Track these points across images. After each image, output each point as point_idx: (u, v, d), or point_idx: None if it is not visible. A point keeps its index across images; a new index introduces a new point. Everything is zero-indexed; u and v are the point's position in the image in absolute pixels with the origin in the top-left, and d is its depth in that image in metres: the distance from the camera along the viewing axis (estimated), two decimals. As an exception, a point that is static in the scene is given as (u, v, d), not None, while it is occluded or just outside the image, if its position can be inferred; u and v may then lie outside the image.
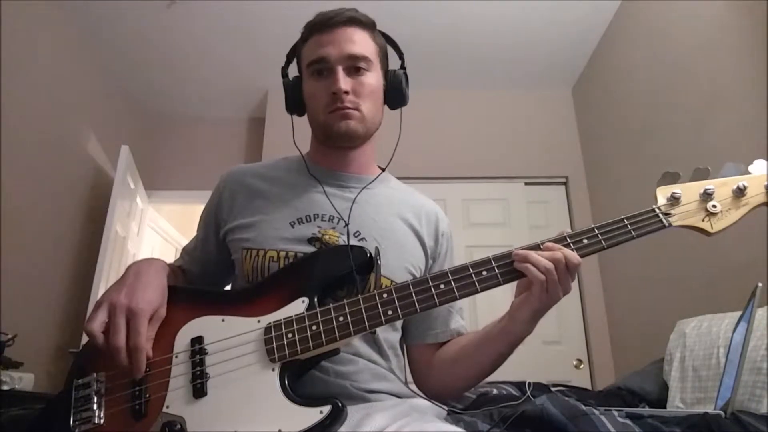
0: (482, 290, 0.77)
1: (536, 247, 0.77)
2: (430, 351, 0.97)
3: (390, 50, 1.02)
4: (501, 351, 0.86)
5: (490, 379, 1.64)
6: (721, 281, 1.98)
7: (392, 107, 1.02)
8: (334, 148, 0.99)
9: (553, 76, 3.53)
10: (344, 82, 0.90)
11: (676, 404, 1.44)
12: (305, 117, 1.02)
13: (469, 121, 3.58)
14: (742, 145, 1.91)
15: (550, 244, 0.77)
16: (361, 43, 0.93)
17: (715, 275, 2.03)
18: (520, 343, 0.84)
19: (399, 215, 0.98)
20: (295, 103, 1.00)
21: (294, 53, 1.03)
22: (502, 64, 3.41)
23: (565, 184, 3.48)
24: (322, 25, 0.94)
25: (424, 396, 0.92)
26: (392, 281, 0.88)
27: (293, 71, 1.03)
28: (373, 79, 0.95)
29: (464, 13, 2.95)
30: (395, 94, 0.99)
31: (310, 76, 0.95)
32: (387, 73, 0.99)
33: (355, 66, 0.92)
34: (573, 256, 0.74)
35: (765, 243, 1.66)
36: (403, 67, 1.01)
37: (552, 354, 3.05)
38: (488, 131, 3.55)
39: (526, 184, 3.45)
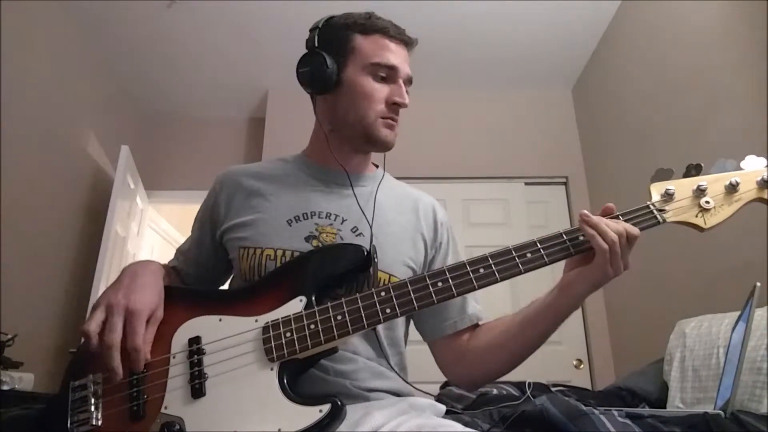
0: (480, 287, 0.77)
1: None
2: (454, 341, 0.95)
3: None
4: (546, 329, 0.86)
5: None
6: (721, 281, 1.98)
7: None
8: (348, 148, 0.98)
9: (553, 76, 3.53)
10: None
11: (676, 404, 1.44)
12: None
13: (468, 121, 3.58)
14: (742, 145, 1.91)
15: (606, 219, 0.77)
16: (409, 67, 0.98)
17: (715, 275, 2.03)
18: (566, 319, 0.85)
19: (396, 210, 0.99)
20: (327, 82, 0.93)
21: (339, 35, 0.95)
22: (502, 64, 3.41)
23: (565, 184, 3.48)
24: (392, 33, 0.95)
25: (424, 393, 0.92)
26: (390, 275, 0.88)
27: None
28: None
29: (464, 13, 2.95)
30: None
31: (368, 75, 0.93)
32: None
33: (405, 87, 0.96)
34: (633, 229, 0.76)
35: (765, 243, 1.66)
36: None
37: (552, 354, 3.05)
38: (488, 131, 3.55)
39: (526, 184, 3.45)
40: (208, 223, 1.01)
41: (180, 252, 1.06)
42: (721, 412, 0.87)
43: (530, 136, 3.53)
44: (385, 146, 0.95)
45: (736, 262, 1.90)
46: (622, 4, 2.89)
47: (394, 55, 0.94)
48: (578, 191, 3.41)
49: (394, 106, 0.93)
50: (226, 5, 2.89)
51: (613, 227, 0.75)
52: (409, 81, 0.97)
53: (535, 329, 0.87)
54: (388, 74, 0.93)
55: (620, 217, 0.78)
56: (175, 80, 3.57)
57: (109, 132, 3.40)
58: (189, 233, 1.07)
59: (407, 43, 0.97)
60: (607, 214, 0.79)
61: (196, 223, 1.05)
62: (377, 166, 1.07)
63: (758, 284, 1.07)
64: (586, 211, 0.76)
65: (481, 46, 3.23)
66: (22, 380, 2.03)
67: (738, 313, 1.19)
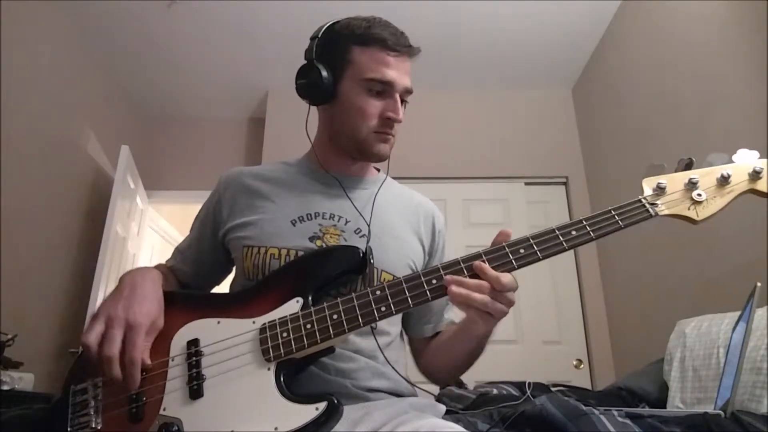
0: None
1: (470, 266, 0.75)
2: (428, 341, 1.01)
3: None
4: (470, 348, 0.89)
5: (490, 379, 1.64)
6: (721, 281, 1.98)
7: None
8: (348, 156, 0.99)
9: (553, 76, 3.53)
10: (401, 113, 0.93)
11: (676, 404, 1.44)
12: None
13: (469, 121, 3.58)
14: (741, 144, 1.90)
15: (479, 265, 0.74)
16: (410, 76, 0.95)
17: (715, 275, 2.03)
18: (487, 339, 0.87)
19: (398, 212, 1.00)
20: (324, 94, 0.94)
21: (337, 46, 0.94)
22: (502, 64, 3.41)
23: (565, 184, 3.48)
24: (391, 45, 0.91)
25: (425, 390, 0.93)
26: (394, 276, 0.89)
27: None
28: None
29: (464, 13, 2.95)
30: None
31: (363, 90, 0.92)
32: None
33: (404, 98, 0.95)
34: (495, 279, 0.72)
35: (765, 243, 1.66)
36: None
37: (552, 354, 3.05)
38: (488, 131, 3.55)
39: (526, 184, 3.45)
40: (210, 223, 1.01)
41: (178, 251, 1.06)
42: (721, 412, 0.86)
43: (530, 136, 3.53)
44: (378, 159, 0.96)
45: (736, 262, 1.90)
46: (622, 4, 2.89)
47: (391, 69, 0.91)
48: (578, 191, 3.41)
49: (388, 121, 0.92)
50: (226, 6, 2.89)
51: (476, 286, 0.72)
52: (407, 92, 0.95)
53: (461, 346, 0.91)
54: (383, 89, 0.92)
55: (530, 240, 0.76)
56: (175, 80, 3.57)
57: (109, 132, 3.40)
58: (189, 233, 1.07)
59: (410, 53, 0.94)
60: (501, 239, 0.77)
61: (196, 222, 1.05)
62: (378, 170, 1.09)
63: (759, 284, 1.06)
64: (451, 283, 0.73)
65: (481, 46, 3.23)
66: (22, 380, 2.03)
67: (738, 313, 1.19)
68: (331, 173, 0.99)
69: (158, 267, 1.00)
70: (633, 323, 2.78)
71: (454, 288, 0.72)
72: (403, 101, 0.95)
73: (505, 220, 3.32)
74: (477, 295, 0.72)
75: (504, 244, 0.77)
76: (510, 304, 0.74)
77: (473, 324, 0.80)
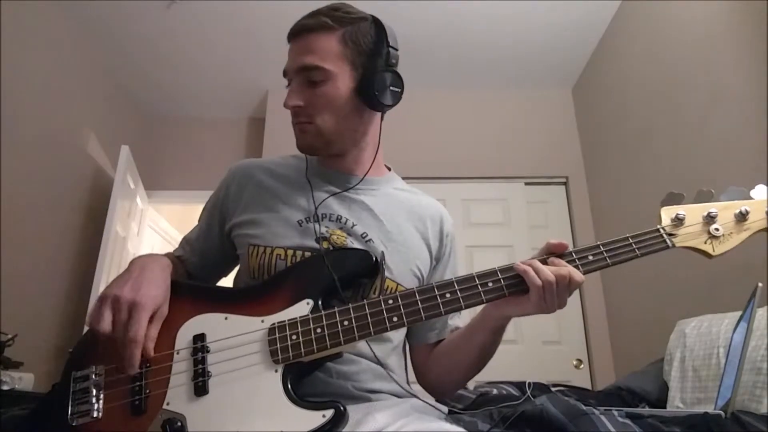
0: (487, 301, 0.77)
1: (543, 262, 0.77)
2: (431, 349, 0.99)
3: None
4: (484, 340, 0.88)
5: (490, 379, 1.64)
6: (721, 281, 1.98)
7: (374, 109, 0.93)
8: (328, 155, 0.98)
9: (553, 76, 3.53)
10: (295, 97, 0.89)
11: (676, 404, 1.44)
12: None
13: (469, 121, 3.58)
14: (741, 145, 1.91)
15: (556, 260, 0.77)
16: (319, 51, 0.87)
17: (715, 275, 2.03)
18: (500, 333, 0.87)
19: (405, 216, 0.98)
20: None
21: None
22: (501, 64, 3.41)
23: (565, 184, 3.48)
24: (288, 35, 0.93)
25: (422, 396, 0.92)
26: (398, 284, 0.89)
27: None
28: (333, 87, 0.88)
29: (464, 13, 2.95)
30: (368, 97, 0.89)
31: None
32: (365, 75, 0.89)
33: (309, 78, 0.88)
34: (578, 275, 0.75)
35: (765, 243, 1.66)
36: (389, 65, 0.90)
37: (552, 354, 3.05)
38: (488, 131, 3.55)
39: (526, 184, 3.45)
40: (217, 215, 1.00)
41: (186, 241, 1.05)
42: (721, 412, 0.86)
43: (530, 136, 3.53)
44: (304, 149, 0.94)
45: (736, 262, 1.89)
46: (622, 4, 2.89)
47: (288, 58, 0.92)
48: (578, 191, 3.41)
49: (291, 110, 0.91)
50: (226, 5, 2.89)
51: (553, 270, 0.74)
52: (305, 70, 0.88)
53: (474, 339, 0.90)
54: (288, 80, 0.92)
55: (573, 254, 0.78)
56: (175, 80, 3.57)
57: (109, 132, 3.40)
58: (197, 223, 1.06)
59: (303, 31, 0.90)
60: (558, 251, 0.79)
61: (204, 212, 1.04)
62: (390, 169, 1.06)
63: (760, 284, 1.06)
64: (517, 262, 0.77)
65: (481, 46, 3.23)
66: (22, 380, 2.03)
67: (738, 313, 1.19)
68: (337, 172, 0.97)
69: (167, 255, 0.99)
70: (633, 323, 2.78)
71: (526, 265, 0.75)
72: (313, 81, 0.88)
73: (505, 220, 3.32)
74: (547, 272, 0.73)
75: (521, 262, 0.78)
76: (562, 306, 0.76)
77: (505, 306, 0.80)
